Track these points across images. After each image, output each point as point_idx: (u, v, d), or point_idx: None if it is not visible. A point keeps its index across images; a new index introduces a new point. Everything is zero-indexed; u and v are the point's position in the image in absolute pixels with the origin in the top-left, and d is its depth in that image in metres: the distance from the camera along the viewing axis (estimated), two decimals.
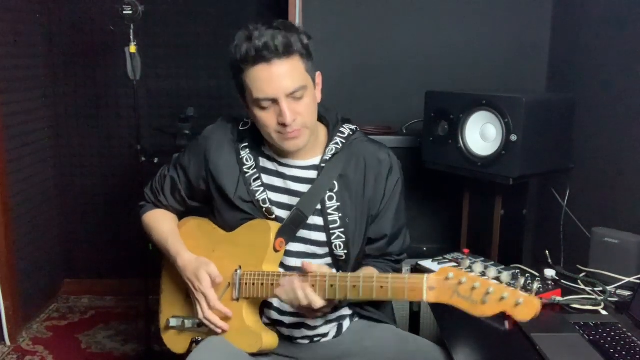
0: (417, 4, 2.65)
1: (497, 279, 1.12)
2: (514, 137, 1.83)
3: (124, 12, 2.31)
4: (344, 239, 1.46)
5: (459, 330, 1.45)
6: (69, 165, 3.29)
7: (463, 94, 2.00)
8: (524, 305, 1.08)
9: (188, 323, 1.53)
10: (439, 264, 1.79)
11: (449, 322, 1.49)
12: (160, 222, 1.63)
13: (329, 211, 1.45)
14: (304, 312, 1.37)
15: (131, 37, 2.36)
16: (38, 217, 3.10)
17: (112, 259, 3.34)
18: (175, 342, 1.59)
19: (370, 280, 1.26)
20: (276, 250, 1.44)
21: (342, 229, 1.45)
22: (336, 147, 1.48)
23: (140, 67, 2.41)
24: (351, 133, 1.52)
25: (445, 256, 1.86)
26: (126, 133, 3.22)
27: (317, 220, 1.46)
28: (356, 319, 1.60)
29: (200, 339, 1.50)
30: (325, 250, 1.48)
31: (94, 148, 3.27)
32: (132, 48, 2.38)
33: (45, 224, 3.18)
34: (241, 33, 1.35)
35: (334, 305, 1.39)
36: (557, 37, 2.57)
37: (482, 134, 1.95)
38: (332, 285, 1.29)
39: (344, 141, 1.49)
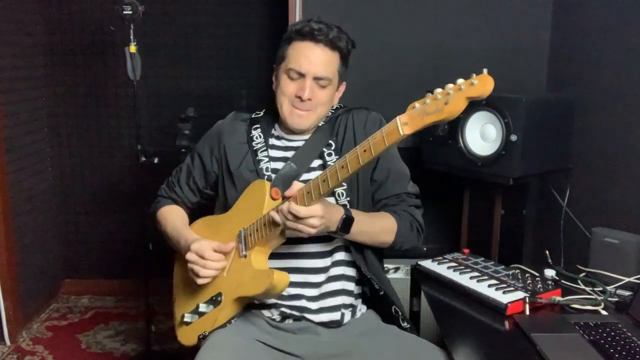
0: (417, 4, 2.66)
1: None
2: (514, 137, 1.83)
3: (124, 12, 2.31)
4: (344, 186, 1.54)
5: (459, 331, 1.45)
6: (69, 166, 3.29)
7: None
8: (480, 83, 1.14)
9: (202, 306, 1.56)
10: (439, 264, 1.79)
11: (449, 323, 1.50)
12: (173, 216, 1.72)
13: (329, 164, 1.53)
14: (300, 229, 1.38)
15: (131, 37, 2.36)
16: (38, 217, 3.10)
17: (112, 259, 3.35)
18: (186, 336, 1.62)
19: (354, 150, 1.29)
20: (273, 199, 1.50)
21: None
22: (328, 116, 1.64)
23: (140, 67, 2.41)
24: (341, 106, 1.68)
25: (445, 256, 1.86)
26: (126, 133, 3.22)
27: (317, 162, 1.58)
28: (357, 316, 1.60)
29: (207, 332, 1.52)
30: (332, 200, 1.53)
31: (94, 148, 3.28)
32: (132, 48, 2.38)
33: (45, 224, 3.18)
34: (301, 19, 1.54)
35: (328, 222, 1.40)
36: (557, 37, 2.56)
37: (482, 134, 1.96)
38: (324, 180, 1.33)
39: (333, 111, 1.66)
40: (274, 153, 1.62)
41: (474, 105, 1.94)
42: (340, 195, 1.55)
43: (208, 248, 1.51)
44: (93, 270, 3.39)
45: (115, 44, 3.06)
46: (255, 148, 1.62)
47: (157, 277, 1.73)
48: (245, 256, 1.51)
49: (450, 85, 1.17)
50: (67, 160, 3.28)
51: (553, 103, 2.04)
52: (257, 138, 1.64)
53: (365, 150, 1.28)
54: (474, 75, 1.16)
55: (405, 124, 1.23)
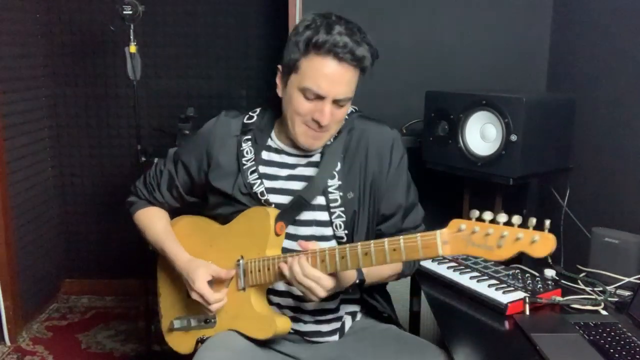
0: (417, 3, 2.65)
1: (508, 222, 1.13)
2: (514, 137, 1.83)
3: (124, 12, 2.31)
4: (344, 219, 1.44)
5: (459, 331, 1.45)
6: (69, 165, 3.29)
7: (463, 94, 2.00)
8: (541, 242, 1.09)
9: (194, 321, 1.52)
10: (439, 264, 1.79)
11: (449, 323, 1.49)
12: (154, 221, 1.63)
13: (330, 190, 1.44)
14: (307, 294, 1.32)
15: (131, 37, 2.37)
16: (38, 217, 3.10)
17: (112, 259, 3.35)
18: (180, 343, 1.58)
19: (381, 244, 1.24)
20: (277, 235, 1.43)
21: (343, 208, 1.44)
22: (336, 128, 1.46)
23: (140, 67, 2.41)
24: (352, 111, 1.52)
25: (446, 256, 1.86)
26: (126, 133, 3.22)
27: (320, 199, 1.45)
28: (358, 318, 1.60)
29: (205, 337, 1.50)
30: (330, 231, 1.46)
31: (94, 148, 3.28)
32: (132, 48, 2.38)
33: (45, 224, 3.18)
34: (320, 18, 1.33)
35: (338, 288, 1.35)
36: (557, 37, 2.56)
37: (482, 134, 1.95)
38: (343, 257, 1.27)
39: (347, 117, 1.48)
40: (265, 170, 1.48)
41: (474, 105, 1.95)
42: (338, 227, 1.44)
43: (208, 290, 1.43)
44: (93, 270, 3.39)
45: (116, 44, 3.06)
46: (245, 167, 1.47)
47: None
48: (243, 289, 1.45)
49: (508, 228, 1.11)
50: (67, 160, 3.28)
51: (553, 103, 2.03)
52: (247, 153, 1.48)
53: (394, 250, 1.22)
54: (538, 232, 1.09)
55: (445, 243, 1.18)
